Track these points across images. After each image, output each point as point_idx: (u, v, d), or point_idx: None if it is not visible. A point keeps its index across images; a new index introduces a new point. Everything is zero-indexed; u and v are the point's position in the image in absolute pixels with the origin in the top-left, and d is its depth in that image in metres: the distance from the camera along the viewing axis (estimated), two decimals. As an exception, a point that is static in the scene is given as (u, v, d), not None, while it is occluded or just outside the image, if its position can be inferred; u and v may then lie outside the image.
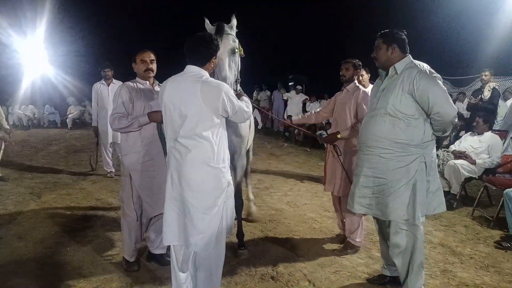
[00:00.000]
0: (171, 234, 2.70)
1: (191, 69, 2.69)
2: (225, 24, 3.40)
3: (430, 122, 2.88)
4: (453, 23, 15.13)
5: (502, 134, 6.33)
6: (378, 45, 3.01)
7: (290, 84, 19.96)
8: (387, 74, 3.02)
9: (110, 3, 20.34)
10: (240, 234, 3.93)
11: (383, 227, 3.24)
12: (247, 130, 3.83)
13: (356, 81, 4.07)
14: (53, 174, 7.36)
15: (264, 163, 8.73)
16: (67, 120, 17.23)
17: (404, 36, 2.98)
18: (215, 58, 2.79)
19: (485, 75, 7.53)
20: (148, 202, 3.31)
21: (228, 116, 2.73)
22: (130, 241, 3.43)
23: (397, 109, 2.85)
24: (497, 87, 7.68)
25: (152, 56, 3.40)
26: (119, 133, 3.43)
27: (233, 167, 3.87)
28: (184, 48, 2.71)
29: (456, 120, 2.88)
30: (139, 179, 3.30)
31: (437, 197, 2.98)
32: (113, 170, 7.17)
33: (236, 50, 3.32)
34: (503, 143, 6.09)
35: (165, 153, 3.26)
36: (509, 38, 12.91)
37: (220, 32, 3.31)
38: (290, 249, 4.04)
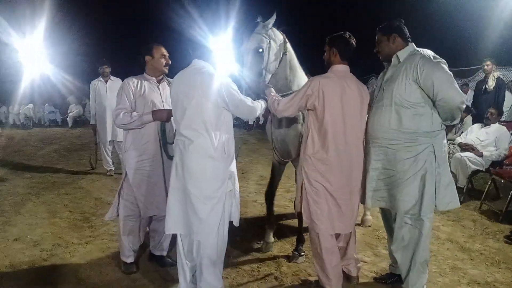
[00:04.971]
0: (172, 222, 2.79)
1: (195, 62, 2.79)
2: (261, 23, 3.28)
3: (438, 111, 2.76)
4: (455, 13, 14.93)
5: (509, 125, 6.21)
6: (378, 39, 2.98)
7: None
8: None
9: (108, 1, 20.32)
10: (298, 239, 3.73)
11: (390, 223, 3.10)
12: None
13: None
14: (52, 173, 7.26)
15: (266, 159, 8.61)
16: (68, 118, 17.24)
17: (402, 25, 2.91)
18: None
19: (487, 65, 7.32)
20: (142, 201, 3.21)
21: (230, 110, 2.76)
22: (125, 241, 3.31)
23: (402, 97, 2.75)
24: (501, 77, 7.51)
25: None
26: (119, 130, 3.30)
27: (294, 165, 3.70)
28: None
29: (464, 106, 2.75)
30: (133, 177, 3.20)
31: (449, 192, 2.84)
32: (113, 168, 7.06)
33: (261, 50, 3.19)
34: (510, 135, 5.96)
35: (166, 153, 3.19)
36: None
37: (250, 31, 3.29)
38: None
